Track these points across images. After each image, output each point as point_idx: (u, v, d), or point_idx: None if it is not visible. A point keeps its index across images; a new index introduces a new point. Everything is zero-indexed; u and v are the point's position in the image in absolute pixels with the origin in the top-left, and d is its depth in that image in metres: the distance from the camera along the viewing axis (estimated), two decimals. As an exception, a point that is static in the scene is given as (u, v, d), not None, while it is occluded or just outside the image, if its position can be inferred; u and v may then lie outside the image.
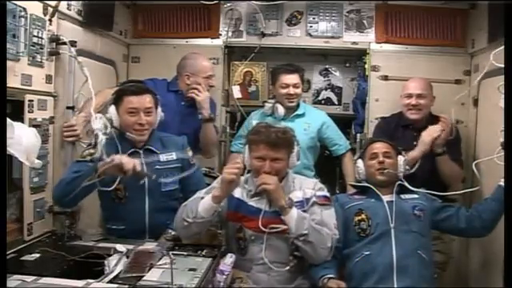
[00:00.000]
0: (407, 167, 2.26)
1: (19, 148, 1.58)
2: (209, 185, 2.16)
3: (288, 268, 1.96)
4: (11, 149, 1.53)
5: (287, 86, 2.78)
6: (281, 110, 2.81)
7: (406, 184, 2.20)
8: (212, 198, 1.90)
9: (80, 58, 2.18)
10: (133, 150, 2.10)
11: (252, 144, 2.02)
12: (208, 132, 2.65)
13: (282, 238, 1.97)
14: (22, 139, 1.58)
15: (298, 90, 2.81)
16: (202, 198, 1.93)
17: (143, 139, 2.12)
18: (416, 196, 2.20)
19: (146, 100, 2.09)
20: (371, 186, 2.22)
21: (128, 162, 1.87)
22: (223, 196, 1.92)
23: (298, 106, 2.87)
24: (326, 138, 2.89)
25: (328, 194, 2.09)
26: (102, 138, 1.90)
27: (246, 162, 2.06)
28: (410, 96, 2.63)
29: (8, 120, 1.52)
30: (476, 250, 2.62)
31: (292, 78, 2.78)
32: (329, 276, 1.95)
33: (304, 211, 1.98)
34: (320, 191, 2.06)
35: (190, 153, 2.29)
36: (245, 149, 2.07)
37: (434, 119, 2.65)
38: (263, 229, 1.93)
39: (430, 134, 2.43)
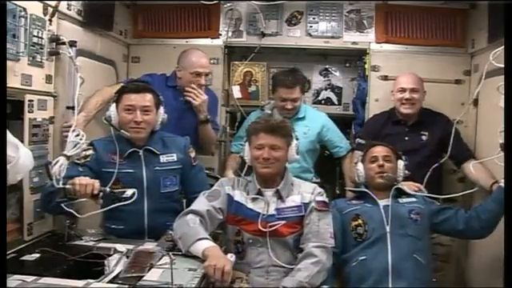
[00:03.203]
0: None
1: (14, 166, 1.58)
2: (212, 185, 2.16)
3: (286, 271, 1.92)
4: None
5: (285, 100, 2.75)
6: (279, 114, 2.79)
7: (406, 188, 2.21)
8: (202, 254, 1.74)
9: (80, 58, 2.17)
10: (132, 150, 2.10)
11: (252, 134, 2.03)
12: (205, 132, 2.66)
13: (280, 242, 1.96)
14: (20, 160, 1.58)
15: (297, 104, 2.77)
16: (201, 238, 1.78)
17: (139, 137, 2.10)
18: (414, 199, 2.21)
19: (145, 98, 2.08)
20: (368, 191, 2.23)
21: (81, 185, 1.77)
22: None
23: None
24: (327, 140, 2.88)
25: (327, 200, 2.08)
26: (62, 163, 1.78)
27: (246, 157, 2.07)
28: (403, 90, 2.63)
29: (13, 139, 1.54)
30: (476, 250, 2.62)
31: (291, 93, 2.73)
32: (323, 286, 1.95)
33: (301, 217, 1.98)
34: (319, 196, 2.04)
35: (193, 154, 2.28)
36: (245, 145, 2.07)
37: (432, 115, 2.67)
38: (263, 229, 1.92)
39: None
